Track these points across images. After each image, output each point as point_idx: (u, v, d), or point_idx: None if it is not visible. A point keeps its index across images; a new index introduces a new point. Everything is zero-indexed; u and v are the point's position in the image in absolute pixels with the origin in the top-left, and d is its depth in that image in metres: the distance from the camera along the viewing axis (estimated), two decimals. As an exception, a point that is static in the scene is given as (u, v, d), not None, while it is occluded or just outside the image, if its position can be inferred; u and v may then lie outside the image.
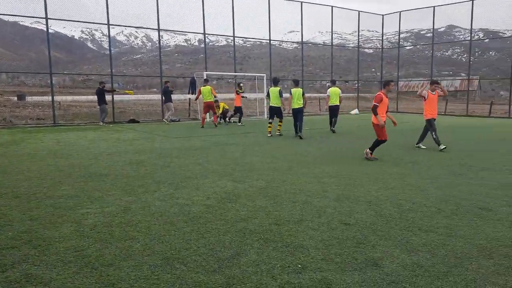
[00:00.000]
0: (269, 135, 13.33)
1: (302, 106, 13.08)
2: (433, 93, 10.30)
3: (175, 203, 5.24)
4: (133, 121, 19.09)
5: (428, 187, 6.11)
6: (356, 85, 32.49)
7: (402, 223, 4.43)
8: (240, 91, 17.95)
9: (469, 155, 9.21)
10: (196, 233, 4.12)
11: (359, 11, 28.37)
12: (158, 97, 23.30)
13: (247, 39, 26.53)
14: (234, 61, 23.81)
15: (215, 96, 16.89)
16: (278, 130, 13.71)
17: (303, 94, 13.12)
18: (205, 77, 19.51)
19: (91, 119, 20.11)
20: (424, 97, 10.30)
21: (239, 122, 17.81)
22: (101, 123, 17.89)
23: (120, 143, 11.34)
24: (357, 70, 30.20)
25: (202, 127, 16.41)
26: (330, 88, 15.27)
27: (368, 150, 8.77)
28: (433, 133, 10.24)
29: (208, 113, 17.88)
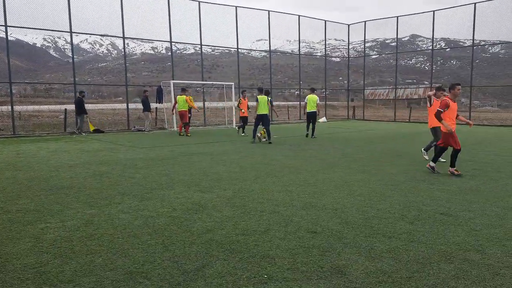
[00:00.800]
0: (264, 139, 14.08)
1: (267, 112, 13.99)
2: (438, 100, 9.17)
3: (139, 215, 5.13)
4: (97, 131, 18.64)
5: (392, 194, 6.25)
6: (324, 93, 33.00)
7: (366, 230, 4.49)
8: (239, 107, 17.45)
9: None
10: (160, 246, 4.04)
11: (325, 21, 28.98)
12: (123, 106, 22.87)
13: (215, 47, 26.52)
14: (201, 69, 23.74)
15: (191, 107, 17.01)
16: (262, 135, 14.37)
17: (268, 102, 14.10)
18: (171, 85, 19.42)
19: (53, 129, 19.53)
20: (430, 103, 9.33)
21: (242, 131, 17.16)
22: (77, 132, 17.71)
23: (83, 154, 11.04)
24: (324, 78, 30.71)
25: (180, 134, 16.88)
26: (308, 96, 15.79)
27: (450, 168, 7.85)
28: (434, 142, 9.50)
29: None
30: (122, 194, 6.26)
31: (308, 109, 15.50)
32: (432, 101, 9.32)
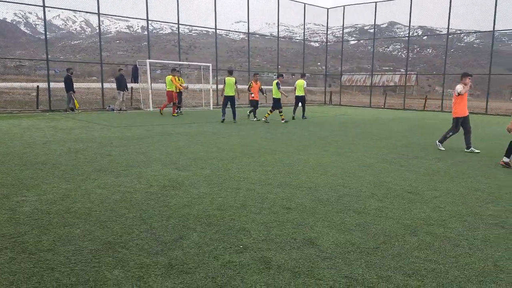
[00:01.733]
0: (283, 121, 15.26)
1: (234, 94, 14.67)
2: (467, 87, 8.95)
3: (116, 190, 5.17)
4: (71, 109, 18.28)
5: (364, 174, 6.47)
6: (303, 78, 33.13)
7: (338, 206, 4.68)
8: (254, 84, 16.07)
9: (403, 145, 9.80)
10: (138, 219, 4.12)
11: (304, 4, 28.91)
12: (98, 85, 22.48)
13: (193, 27, 26.20)
14: (178, 49, 23.46)
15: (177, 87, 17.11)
16: (266, 116, 15.36)
17: (235, 84, 14.73)
18: (147, 65, 19.17)
19: (25, 106, 19.06)
20: (460, 92, 8.91)
21: (254, 116, 16.21)
22: (68, 110, 17.79)
23: (57, 132, 10.88)
24: (303, 63, 30.83)
25: (161, 113, 17.20)
26: (297, 81, 17.23)
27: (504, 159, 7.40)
28: (450, 132, 9.20)
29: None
30: (98, 171, 6.27)
31: (296, 93, 16.90)
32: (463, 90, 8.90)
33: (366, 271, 3.05)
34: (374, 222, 4.15)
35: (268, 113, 15.45)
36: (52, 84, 19.38)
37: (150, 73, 19.61)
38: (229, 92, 14.58)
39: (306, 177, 6.19)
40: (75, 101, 18.07)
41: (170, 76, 16.89)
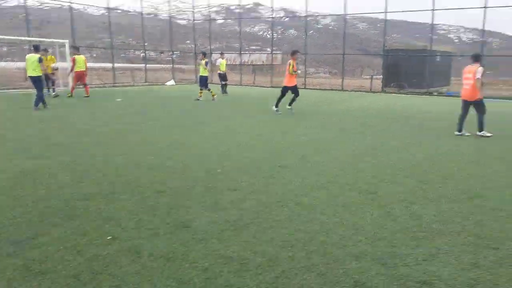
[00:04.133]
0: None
1: (38, 75, 11.76)
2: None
3: None
4: None
5: (234, 153, 6.57)
6: (171, 56, 32.36)
7: (210, 185, 4.66)
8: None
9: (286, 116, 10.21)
10: (-17, 219, 3.53)
11: (168, -19, 27.96)
12: None
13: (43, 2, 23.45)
14: (27, 25, 20.87)
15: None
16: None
17: (40, 61, 11.75)
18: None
19: None
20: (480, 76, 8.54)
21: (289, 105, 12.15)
22: None
23: None
24: (170, 41, 30.00)
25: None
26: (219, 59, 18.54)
27: None
28: (484, 116, 8.68)
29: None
30: None
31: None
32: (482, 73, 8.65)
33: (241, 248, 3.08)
34: (246, 198, 4.23)
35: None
36: None
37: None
38: (31, 72, 11.69)
39: (172, 156, 6.04)
40: None
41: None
